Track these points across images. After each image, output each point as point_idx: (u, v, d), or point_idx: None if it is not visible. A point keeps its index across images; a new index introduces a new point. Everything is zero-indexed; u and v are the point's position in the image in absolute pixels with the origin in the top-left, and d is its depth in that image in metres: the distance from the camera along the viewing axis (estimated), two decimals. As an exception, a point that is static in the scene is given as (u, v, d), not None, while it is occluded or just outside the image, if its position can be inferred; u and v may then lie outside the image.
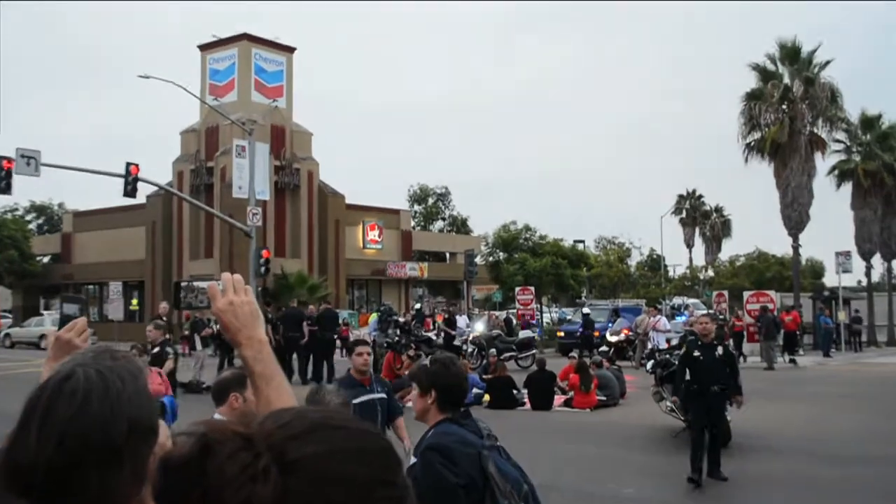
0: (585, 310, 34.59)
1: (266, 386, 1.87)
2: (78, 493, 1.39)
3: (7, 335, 47.02)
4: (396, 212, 58.55)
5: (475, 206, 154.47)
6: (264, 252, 30.00)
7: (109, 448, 1.41)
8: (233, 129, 39.32)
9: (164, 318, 21.03)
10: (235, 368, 5.44)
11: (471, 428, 3.80)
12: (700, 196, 76.44)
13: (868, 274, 43.98)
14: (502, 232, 47.50)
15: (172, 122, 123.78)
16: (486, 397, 18.85)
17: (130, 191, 26.86)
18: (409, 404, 4.43)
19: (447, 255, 63.99)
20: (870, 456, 12.83)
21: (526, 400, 18.90)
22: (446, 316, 30.84)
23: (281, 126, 48.22)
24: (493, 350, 25.31)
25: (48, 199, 78.65)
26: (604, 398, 18.90)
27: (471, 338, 29.39)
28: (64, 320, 2.28)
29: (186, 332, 25.77)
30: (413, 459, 3.80)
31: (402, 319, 29.06)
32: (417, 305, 36.92)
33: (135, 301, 48.53)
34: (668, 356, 16.10)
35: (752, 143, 39.87)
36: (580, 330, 32.45)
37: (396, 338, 24.86)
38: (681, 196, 75.64)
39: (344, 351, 33.92)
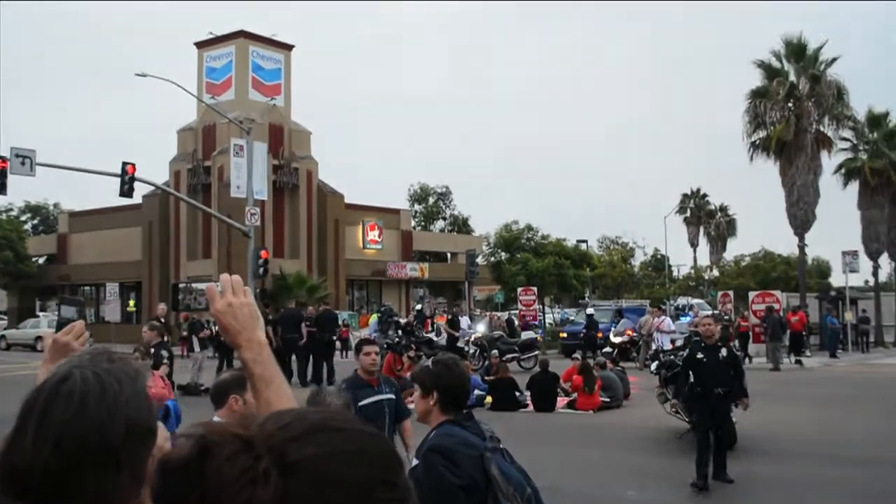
0: (589, 310, 34.60)
1: (266, 388, 1.87)
2: (75, 496, 1.39)
3: (2, 337, 47.06)
4: (397, 211, 58.55)
5: (476, 205, 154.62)
6: (263, 252, 30.01)
7: (107, 450, 1.41)
8: (230, 128, 39.34)
9: (163, 320, 21.04)
10: (234, 370, 5.44)
11: (473, 430, 3.80)
12: (705, 195, 76.48)
13: (875, 274, 44.01)
14: (504, 232, 47.49)
15: (169, 120, 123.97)
16: (489, 399, 18.85)
17: (127, 191, 26.87)
18: (411, 406, 4.43)
19: (448, 255, 63.98)
20: (877, 458, 12.83)
21: (529, 402, 18.90)
22: (449, 317, 30.82)
23: (279, 125, 48.23)
24: (495, 351, 25.26)
25: (43, 200, 78.90)
26: (607, 400, 18.90)
27: (472, 339, 29.40)
28: (62, 323, 2.27)
29: (185, 334, 25.78)
30: (415, 461, 3.80)
31: (403, 321, 29.07)
32: (418, 306, 36.94)
33: (132, 302, 48.55)
34: (672, 357, 16.11)
35: (758, 142, 39.86)
36: (583, 331, 32.45)
37: (397, 339, 24.87)
38: (685, 195, 75.65)
39: (344, 352, 34.10)
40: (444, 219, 75.28)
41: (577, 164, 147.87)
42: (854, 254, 38.77)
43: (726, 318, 32.34)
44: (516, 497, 3.60)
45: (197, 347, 24.19)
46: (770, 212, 78.50)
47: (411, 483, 1.12)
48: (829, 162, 41.43)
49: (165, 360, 11.66)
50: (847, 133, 41.79)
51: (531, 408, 18.69)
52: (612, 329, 32.66)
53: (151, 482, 1.09)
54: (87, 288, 54.10)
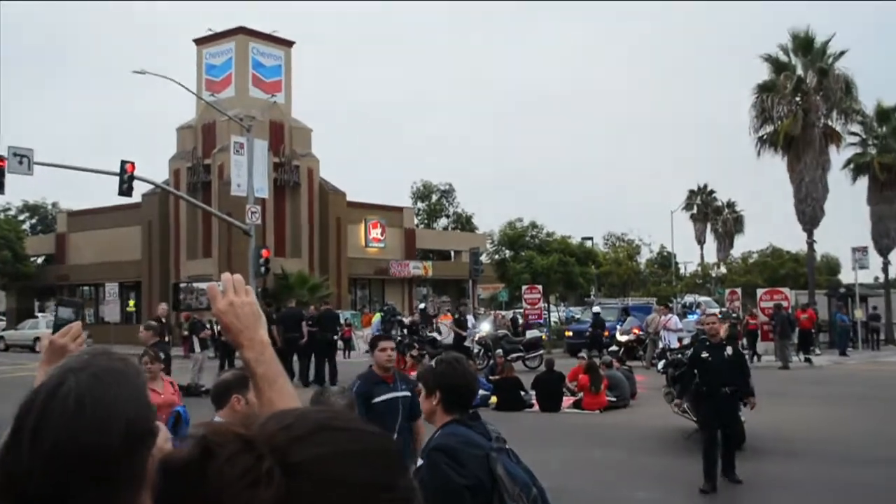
0: (596, 308, 34.59)
1: (269, 388, 1.87)
2: (74, 502, 1.39)
3: (1, 338, 47.13)
4: (399, 209, 58.56)
5: (480, 202, 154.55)
6: (264, 251, 30.05)
7: (105, 455, 1.41)
8: (230, 126, 39.34)
9: (164, 320, 21.07)
10: (236, 369, 5.44)
11: (479, 430, 3.80)
12: (712, 191, 76.42)
13: (885, 270, 43.93)
14: (508, 229, 47.50)
15: (168, 118, 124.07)
16: (493, 399, 18.85)
17: (126, 189, 26.89)
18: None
19: (452, 253, 63.98)
20: (889, 457, 12.80)
21: (534, 401, 18.90)
22: (456, 316, 30.83)
23: (280, 122, 48.25)
24: (499, 350, 25.27)
25: (41, 199, 78.86)
26: (614, 399, 18.89)
27: (477, 338, 29.41)
28: (59, 324, 2.27)
29: (186, 334, 25.81)
30: (419, 462, 3.81)
31: (406, 320, 29.06)
32: (422, 305, 36.96)
33: (131, 302, 48.62)
34: (679, 356, 16.10)
35: (765, 137, 39.84)
36: (589, 329, 32.45)
37: (399, 337, 24.87)
38: (692, 191, 75.57)
39: (347, 352, 34.11)
40: (448, 216, 75.31)
41: (582, 159, 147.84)
42: (864, 250, 38.73)
43: (734, 315, 32.34)
44: (522, 497, 3.60)
45: (197, 348, 24.21)
46: (778, 208, 78.64)
47: (416, 484, 1.11)
48: (838, 157, 41.48)
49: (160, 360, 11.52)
50: (856, 127, 41.82)
51: (536, 408, 18.69)
52: (619, 327, 32.65)
53: (152, 484, 1.09)
54: (86, 288, 54.17)
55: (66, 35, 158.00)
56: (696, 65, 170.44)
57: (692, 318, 33.48)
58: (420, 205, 73.42)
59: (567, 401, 18.97)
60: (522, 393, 19.08)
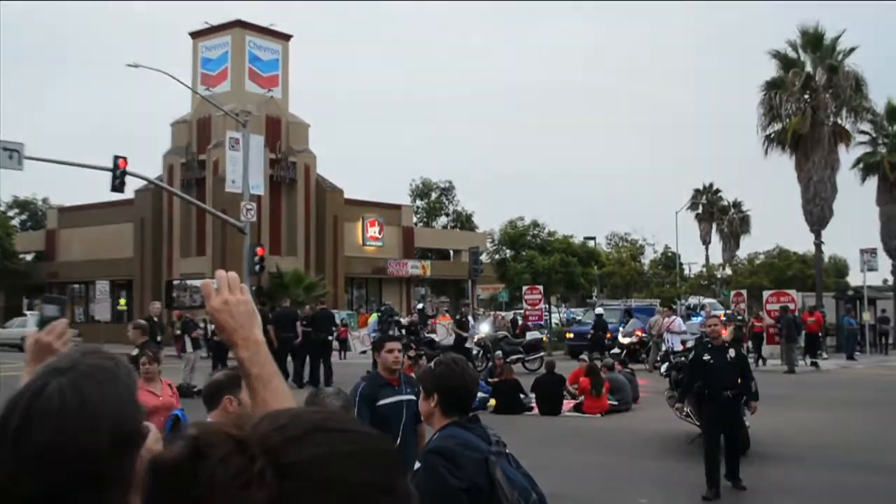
0: (598, 310, 34.58)
1: (263, 389, 1.87)
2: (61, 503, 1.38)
3: (-11, 336, 47.05)
4: (398, 207, 58.56)
5: (480, 201, 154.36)
6: (259, 249, 30.04)
7: (91, 456, 1.40)
8: (226, 121, 39.34)
9: (157, 319, 21.08)
10: (228, 369, 5.43)
11: (478, 433, 3.80)
12: (717, 190, 76.41)
13: (895, 272, 43.92)
14: (509, 228, 47.50)
15: (162, 113, 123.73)
16: (492, 402, 18.84)
17: (118, 185, 26.88)
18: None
19: (451, 252, 63.99)
20: (895, 464, 12.82)
21: (533, 404, 18.90)
22: (457, 316, 30.84)
23: (276, 117, 48.25)
24: (499, 352, 25.28)
25: (32, 195, 78.81)
26: (616, 403, 18.89)
27: (476, 339, 29.41)
28: (44, 322, 2.26)
29: (178, 333, 25.83)
30: (417, 464, 3.82)
31: (404, 320, 29.06)
32: (420, 305, 36.93)
33: (122, 301, 48.60)
34: (683, 358, 16.08)
35: (773, 135, 39.84)
36: (590, 331, 32.44)
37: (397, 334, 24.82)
38: (697, 190, 75.60)
39: (342, 353, 34.10)
40: (447, 215, 75.29)
41: (585, 158, 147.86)
42: (872, 252, 38.70)
43: (739, 318, 32.33)
44: (521, 502, 3.60)
45: (189, 347, 24.21)
46: (785, 208, 78.55)
47: (413, 487, 1.11)
48: (847, 156, 41.44)
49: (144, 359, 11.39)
50: (865, 126, 41.77)
51: (536, 411, 18.68)
52: (621, 329, 32.64)
53: (141, 485, 1.09)
54: (76, 286, 54.15)
55: (59, 30, 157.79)
56: (701, 61, 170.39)
57: (696, 320, 33.50)
58: (419, 203, 73.43)
59: (567, 404, 18.96)
60: (522, 396, 19.07)
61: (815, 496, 11.18)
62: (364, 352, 29.19)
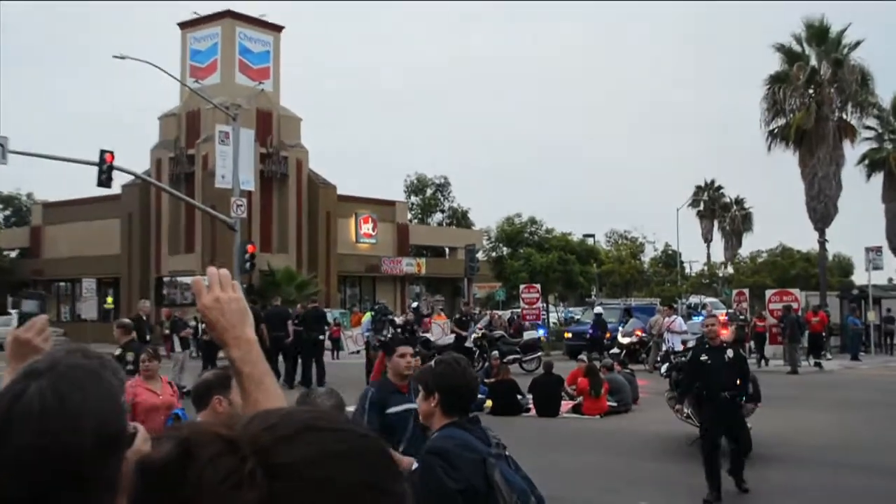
0: (598, 309, 34.60)
1: (255, 389, 1.87)
2: None
3: (-28, 335, 47.01)
4: (392, 203, 58.54)
5: (477, 197, 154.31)
6: (249, 247, 30.03)
7: (74, 458, 1.40)
8: (215, 114, 39.31)
9: (145, 318, 21.08)
10: (217, 369, 5.44)
11: (477, 434, 3.81)
12: (719, 187, 76.49)
13: (900, 271, 44.01)
14: (506, 225, 47.50)
15: (150, 106, 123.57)
16: (488, 403, 18.85)
17: (105, 180, 26.84)
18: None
19: (446, 249, 63.99)
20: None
21: (531, 405, 18.92)
22: (457, 315, 30.85)
23: (267, 110, 48.19)
24: (495, 352, 25.27)
25: (16, 190, 78.47)
26: (615, 404, 18.91)
27: (474, 337, 29.37)
28: (23, 318, 2.27)
29: (167, 332, 25.82)
30: (415, 465, 3.83)
31: (399, 319, 29.03)
32: (414, 304, 36.91)
33: (109, 299, 48.56)
34: (683, 359, 16.10)
35: (776, 130, 39.87)
36: (589, 331, 32.47)
37: (391, 335, 24.77)
38: (698, 187, 75.66)
39: (335, 353, 34.07)
40: (443, 211, 75.27)
41: (583, 154, 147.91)
42: (878, 250, 38.77)
43: (742, 317, 32.39)
44: (519, 505, 3.61)
45: (178, 347, 24.20)
46: (789, 205, 78.68)
47: (408, 487, 1.11)
48: (852, 152, 41.47)
49: (130, 364, 11.17)
50: (871, 121, 41.82)
51: (533, 412, 18.70)
52: (621, 329, 32.68)
53: (128, 487, 1.08)
54: (62, 283, 54.09)
55: (42, 20, 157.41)
56: (703, 56, 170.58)
57: (697, 319, 33.51)
58: (414, 199, 73.39)
59: (566, 405, 18.98)
60: (519, 396, 19.08)
61: (817, 499, 11.21)
62: (357, 352, 29.14)
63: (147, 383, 8.38)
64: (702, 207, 75.57)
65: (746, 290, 40.56)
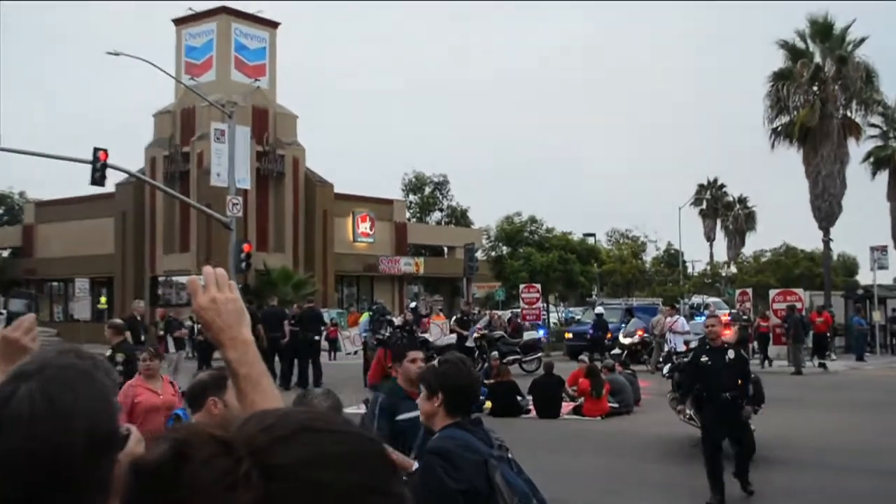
0: (599, 309, 34.62)
1: (252, 390, 1.87)
2: None
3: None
4: (390, 202, 58.52)
5: (476, 196, 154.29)
6: (245, 246, 30.01)
7: (65, 460, 1.39)
8: (211, 112, 39.27)
9: (140, 318, 21.07)
10: (213, 370, 5.43)
11: (479, 435, 3.82)
12: (722, 185, 76.46)
13: (905, 270, 44.07)
14: (505, 224, 47.51)
15: (144, 103, 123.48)
16: (488, 404, 18.85)
17: (98, 178, 26.82)
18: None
19: (445, 249, 63.98)
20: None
21: (531, 407, 18.92)
22: (458, 315, 30.87)
23: (263, 108, 48.17)
24: (495, 353, 25.27)
25: (8, 188, 78.44)
26: (616, 405, 18.92)
27: (475, 336, 29.37)
28: (11, 318, 2.26)
29: (161, 333, 25.82)
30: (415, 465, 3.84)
31: (397, 320, 29.03)
32: (413, 304, 36.92)
33: (103, 299, 48.46)
34: (685, 360, 16.11)
35: (780, 128, 39.90)
36: (590, 331, 32.48)
37: (388, 333, 24.76)
38: (701, 185, 75.63)
39: (332, 354, 34.06)
40: (441, 210, 75.20)
41: (584, 152, 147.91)
42: (883, 249, 38.78)
43: (745, 317, 32.38)
44: (520, 508, 3.61)
45: (172, 348, 24.21)
46: (792, 204, 78.77)
47: (405, 490, 1.11)
48: (857, 150, 41.55)
49: (119, 365, 11.01)
50: (876, 119, 41.89)
51: (533, 413, 18.71)
52: (622, 329, 32.68)
53: (121, 489, 1.08)
54: (54, 283, 54.06)
55: (35, 15, 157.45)
56: (704, 53, 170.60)
57: (700, 319, 33.52)
58: (412, 197, 73.31)
59: (566, 406, 18.99)
60: (519, 398, 19.09)
61: (821, 501, 11.21)
62: (355, 352, 29.15)
63: (148, 383, 8.33)
64: (704, 206, 75.53)
65: (750, 290, 40.56)
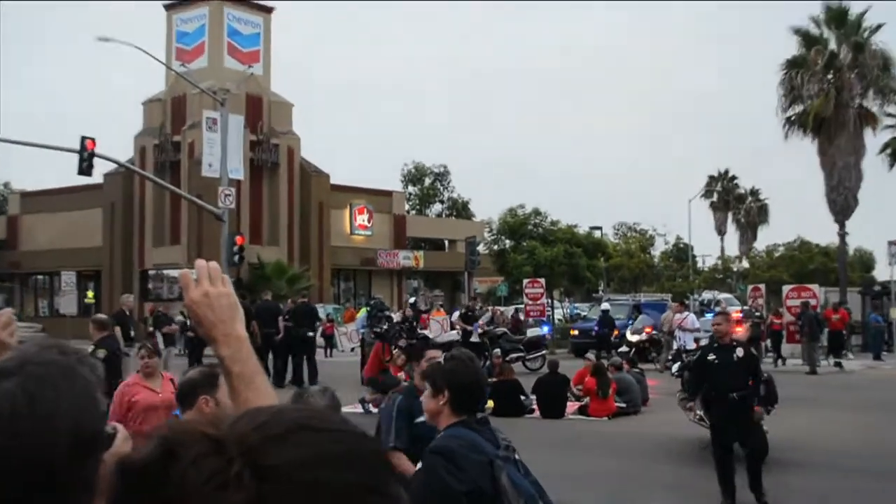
0: (605, 305, 34.62)
1: (245, 388, 1.86)
2: None
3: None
4: (388, 193, 58.58)
5: (478, 187, 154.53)
6: (238, 238, 30.03)
7: (48, 460, 1.39)
8: (202, 99, 39.27)
9: (129, 313, 21.09)
10: (203, 367, 5.42)
11: (485, 435, 3.81)
12: (733, 177, 76.49)
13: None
14: (508, 217, 47.46)
15: (134, 91, 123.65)
16: (490, 403, 18.84)
17: (86, 168, 26.84)
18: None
19: (446, 242, 64.07)
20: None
21: (535, 406, 18.92)
22: (463, 310, 30.88)
23: (257, 96, 48.19)
24: (497, 350, 25.28)
25: (-8, 178, 78.52)
26: (623, 405, 18.92)
27: (480, 331, 29.40)
28: None
29: (151, 329, 25.87)
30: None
31: (396, 316, 29.05)
32: (412, 299, 36.94)
33: (90, 293, 48.53)
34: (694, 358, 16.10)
35: (793, 118, 39.86)
36: (596, 328, 32.49)
37: (386, 327, 24.77)
38: (712, 177, 75.63)
39: (328, 350, 34.10)
40: (442, 202, 75.27)
41: (591, 143, 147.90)
42: (901, 243, 38.76)
43: (757, 314, 32.38)
44: (526, 510, 3.61)
45: (161, 344, 24.25)
46: (807, 196, 78.91)
47: (402, 491, 1.10)
48: (874, 140, 41.50)
49: (101, 358, 11.04)
50: (893, 109, 41.78)
51: (537, 413, 18.71)
52: (629, 326, 32.70)
53: (108, 489, 1.07)
54: (40, 277, 54.16)
55: (23, 2, 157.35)
56: (716, 41, 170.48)
57: (710, 316, 33.52)
58: (411, 189, 73.36)
59: (571, 406, 19.01)
60: (522, 397, 19.09)
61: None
62: (352, 349, 29.19)
63: (146, 381, 8.26)
64: (715, 198, 75.49)
65: (762, 286, 40.56)
